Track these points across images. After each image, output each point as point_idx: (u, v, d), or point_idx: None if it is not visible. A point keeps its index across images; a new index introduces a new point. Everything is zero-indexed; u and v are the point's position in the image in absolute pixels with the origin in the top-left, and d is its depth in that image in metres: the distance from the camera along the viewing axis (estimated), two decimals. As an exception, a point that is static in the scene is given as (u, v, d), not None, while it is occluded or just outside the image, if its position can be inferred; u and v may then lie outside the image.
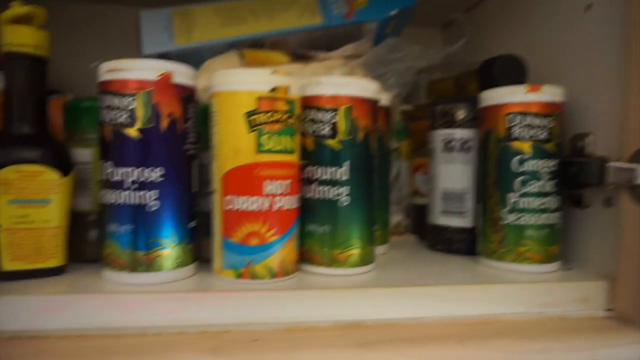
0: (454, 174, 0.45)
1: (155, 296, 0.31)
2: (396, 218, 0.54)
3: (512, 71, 0.44)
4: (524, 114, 0.38)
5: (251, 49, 0.48)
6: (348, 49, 0.47)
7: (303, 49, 0.50)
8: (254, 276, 0.33)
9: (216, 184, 0.33)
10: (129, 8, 0.63)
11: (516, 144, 0.38)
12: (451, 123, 0.45)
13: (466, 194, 0.45)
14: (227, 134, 0.32)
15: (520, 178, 0.38)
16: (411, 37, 0.60)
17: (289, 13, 0.49)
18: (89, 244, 0.38)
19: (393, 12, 0.50)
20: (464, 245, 0.45)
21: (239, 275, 0.33)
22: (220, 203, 0.33)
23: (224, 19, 0.48)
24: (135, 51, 0.50)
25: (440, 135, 0.46)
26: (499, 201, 0.39)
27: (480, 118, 0.42)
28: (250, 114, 0.32)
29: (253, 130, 0.32)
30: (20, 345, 0.29)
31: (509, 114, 0.38)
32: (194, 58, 0.49)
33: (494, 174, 0.40)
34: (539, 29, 0.49)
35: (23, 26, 0.33)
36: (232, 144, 0.32)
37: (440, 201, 0.46)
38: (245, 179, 0.32)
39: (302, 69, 0.45)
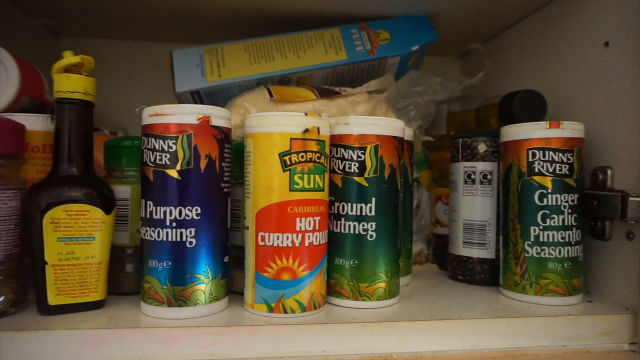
0: (475, 206, 0.46)
1: (191, 330, 0.32)
2: (417, 247, 0.55)
3: (533, 106, 0.45)
4: (545, 149, 0.39)
5: (279, 84, 0.50)
6: (372, 84, 0.49)
7: (328, 84, 0.52)
8: (285, 310, 0.34)
9: (249, 220, 0.35)
10: (160, 44, 0.66)
11: (538, 179, 0.39)
12: (473, 156, 0.46)
13: (487, 225, 0.46)
14: (262, 173, 0.34)
15: (542, 212, 0.39)
16: (429, 66, 0.62)
17: (314, 50, 0.51)
18: (126, 276, 0.40)
19: (415, 48, 0.52)
20: (486, 276, 0.46)
21: (271, 310, 0.34)
22: (253, 239, 0.35)
23: (253, 56, 0.51)
24: (168, 86, 0.53)
25: (462, 167, 0.47)
26: (520, 234, 0.40)
27: (501, 152, 0.43)
28: (284, 154, 0.34)
29: (287, 170, 0.34)
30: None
31: (531, 149, 0.40)
32: (223, 93, 0.51)
33: (515, 207, 0.41)
34: (555, 64, 0.50)
35: (74, 75, 0.35)
36: (266, 183, 0.34)
37: (462, 232, 0.47)
38: (279, 216, 0.34)
39: (328, 104, 0.46)
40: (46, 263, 0.33)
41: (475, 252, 0.46)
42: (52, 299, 0.34)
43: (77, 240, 0.34)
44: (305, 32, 0.52)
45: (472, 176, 0.46)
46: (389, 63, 0.53)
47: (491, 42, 0.64)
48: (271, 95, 0.46)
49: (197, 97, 0.51)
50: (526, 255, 0.40)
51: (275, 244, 0.34)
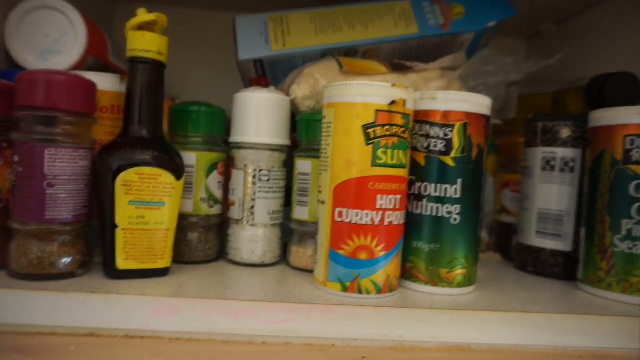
0: (552, 194, 0.43)
1: (263, 305, 0.31)
2: (480, 235, 0.52)
3: (626, 90, 0.41)
4: (643, 136, 0.36)
5: (345, 56, 0.48)
6: (445, 60, 0.46)
7: (396, 58, 0.50)
8: (360, 291, 0.32)
9: (326, 195, 0.33)
10: (225, 13, 0.64)
11: (635, 168, 0.36)
12: (553, 141, 0.43)
13: (565, 216, 0.43)
14: (342, 145, 0.32)
15: (638, 204, 0.36)
16: (493, 47, 0.58)
17: (384, 22, 0.48)
18: (187, 245, 0.39)
19: (492, 24, 0.48)
20: (559, 269, 0.43)
21: (345, 289, 0.33)
22: (329, 215, 0.33)
23: (319, 26, 0.48)
24: (223, 55, 0.51)
25: (540, 153, 0.44)
26: (610, 227, 0.37)
27: (590, 138, 0.40)
28: (367, 126, 0.31)
29: (370, 143, 0.32)
30: (134, 346, 0.30)
31: (629, 135, 0.36)
32: (286, 63, 0.49)
33: (605, 198, 0.38)
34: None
35: (147, 32, 0.33)
36: (347, 156, 0.32)
37: (536, 221, 0.44)
38: (359, 192, 0.32)
39: (400, 79, 0.44)
40: (116, 226, 0.32)
41: (549, 244, 0.44)
42: (121, 263, 0.33)
43: (147, 204, 0.33)
44: (374, 3, 0.49)
45: (552, 163, 0.43)
46: (461, 40, 0.50)
47: (567, 22, 0.59)
48: (341, 67, 0.44)
49: (259, 66, 0.49)
50: (615, 250, 0.37)
51: (353, 221, 0.32)
